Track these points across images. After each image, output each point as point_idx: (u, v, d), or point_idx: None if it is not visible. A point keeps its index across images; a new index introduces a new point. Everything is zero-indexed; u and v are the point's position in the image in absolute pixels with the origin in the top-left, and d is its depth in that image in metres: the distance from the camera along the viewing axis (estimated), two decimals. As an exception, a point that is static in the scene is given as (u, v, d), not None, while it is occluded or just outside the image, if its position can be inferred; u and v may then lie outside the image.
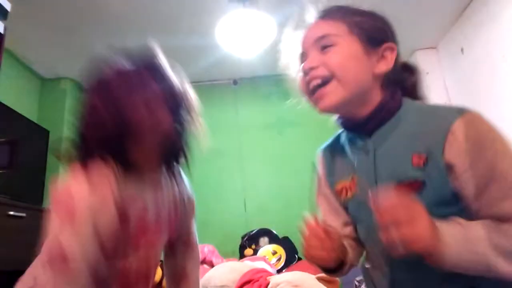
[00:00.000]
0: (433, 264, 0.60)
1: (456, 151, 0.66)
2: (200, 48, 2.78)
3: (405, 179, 0.69)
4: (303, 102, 0.89)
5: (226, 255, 2.56)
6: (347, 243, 0.84)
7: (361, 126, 0.78)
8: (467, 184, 0.66)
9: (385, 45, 0.76)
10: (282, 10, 2.40)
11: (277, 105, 3.25)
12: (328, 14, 0.80)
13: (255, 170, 3.10)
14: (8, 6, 1.64)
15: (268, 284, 1.75)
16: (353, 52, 0.74)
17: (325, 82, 0.74)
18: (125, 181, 0.81)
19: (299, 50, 0.82)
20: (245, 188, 3.04)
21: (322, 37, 0.76)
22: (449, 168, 0.67)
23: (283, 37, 0.88)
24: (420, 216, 0.58)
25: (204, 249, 2.44)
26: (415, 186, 0.68)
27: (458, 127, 0.66)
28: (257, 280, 1.80)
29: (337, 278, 1.75)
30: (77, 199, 0.74)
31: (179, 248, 1.05)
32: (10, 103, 2.47)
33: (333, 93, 0.74)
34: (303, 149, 3.12)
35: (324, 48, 0.75)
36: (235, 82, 3.33)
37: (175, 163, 1.02)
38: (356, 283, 2.33)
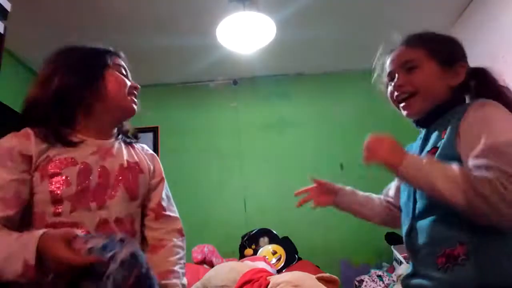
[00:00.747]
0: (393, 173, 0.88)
1: (464, 122, 0.84)
2: (200, 48, 2.78)
3: (430, 149, 0.92)
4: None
5: (226, 255, 2.56)
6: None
7: (423, 121, 1.01)
8: (464, 149, 0.82)
9: (458, 63, 0.98)
10: (282, 11, 2.40)
11: (277, 105, 3.26)
12: (410, 42, 1.03)
13: (255, 170, 3.10)
14: (8, 6, 1.64)
15: (268, 284, 1.75)
16: (432, 72, 0.96)
17: (410, 96, 0.98)
18: (57, 146, 0.93)
19: (388, 69, 1.05)
20: (245, 188, 3.04)
21: (407, 61, 0.99)
22: (458, 136, 0.84)
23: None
24: (384, 146, 0.86)
25: (204, 249, 2.44)
26: (434, 151, 0.89)
27: (473, 107, 0.86)
28: (257, 280, 1.80)
29: (337, 278, 1.75)
30: None
31: (152, 222, 1.07)
32: (10, 103, 2.47)
33: (417, 104, 0.98)
34: (303, 149, 3.14)
35: (409, 70, 0.98)
36: (235, 82, 3.33)
37: (131, 139, 1.13)
38: (356, 283, 2.33)
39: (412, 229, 0.94)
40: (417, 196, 0.94)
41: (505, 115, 0.83)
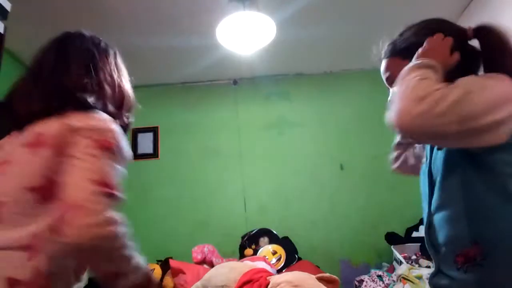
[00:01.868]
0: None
1: None
2: (200, 48, 2.78)
3: None
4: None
5: (226, 255, 2.56)
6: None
7: None
8: None
9: None
10: (282, 10, 2.40)
11: (277, 105, 3.26)
12: (386, 54, 1.03)
13: (255, 170, 3.10)
14: (8, 6, 1.64)
15: (268, 284, 1.75)
16: None
17: None
18: None
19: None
20: (245, 188, 3.04)
21: (387, 75, 1.01)
22: None
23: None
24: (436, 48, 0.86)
25: (204, 249, 2.44)
26: None
27: None
28: (257, 280, 1.79)
29: (337, 278, 1.75)
30: (115, 132, 0.82)
31: None
32: (10, 103, 2.47)
33: None
34: (303, 149, 3.14)
35: (391, 83, 0.98)
36: (235, 82, 3.33)
37: None
38: (356, 283, 2.33)
39: (430, 224, 0.90)
40: (434, 188, 0.89)
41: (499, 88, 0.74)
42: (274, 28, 2.35)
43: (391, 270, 2.41)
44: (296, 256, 2.53)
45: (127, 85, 1.01)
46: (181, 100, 3.29)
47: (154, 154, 3.12)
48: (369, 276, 2.30)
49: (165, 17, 2.44)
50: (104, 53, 0.99)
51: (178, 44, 2.70)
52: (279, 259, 2.47)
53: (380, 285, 2.21)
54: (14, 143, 0.79)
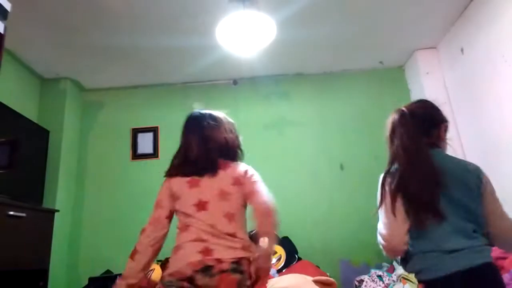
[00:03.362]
0: None
1: None
2: (200, 48, 2.78)
3: None
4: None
5: (226, 255, 2.55)
6: None
7: None
8: None
9: None
10: (281, 11, 2.40)
11: (277, 105, 3.26)
12: None
13: (255, 170, 3.09)
14: (8, 6, 1.64)
15: None
16: None
17: None
18: None
19: None
20: (245, 188, 3.04)
21: None
22: None
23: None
24: None
25: (204, 249, 2.43)
26: None
27: None
28: (256, 281, 1.79)
29: (334, 281, 1.75)
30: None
31: None
32: (10, 103, 2.47)
33: None
34: (303, 149, 3.14)
35: None
36: (235, 82, 3.33)
37: None
38: (356, 283, 2.33)
39: None
40: None
41: None
42: (274, 28, 2.35)
43: (391, 270, 2.41)
44: (296, 256, 2.53)
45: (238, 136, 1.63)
46: (181, 100, 3.29)
47: (154, 154, 3.12)
48: (369, 276, 2.30)
49: (165, 17, 2.44)
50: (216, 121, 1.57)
51: (178, 44, 2.70)
52: (279, 259, 2.47)
53: (380, 285, 2.21)
54: (215, 181, 1.45)
